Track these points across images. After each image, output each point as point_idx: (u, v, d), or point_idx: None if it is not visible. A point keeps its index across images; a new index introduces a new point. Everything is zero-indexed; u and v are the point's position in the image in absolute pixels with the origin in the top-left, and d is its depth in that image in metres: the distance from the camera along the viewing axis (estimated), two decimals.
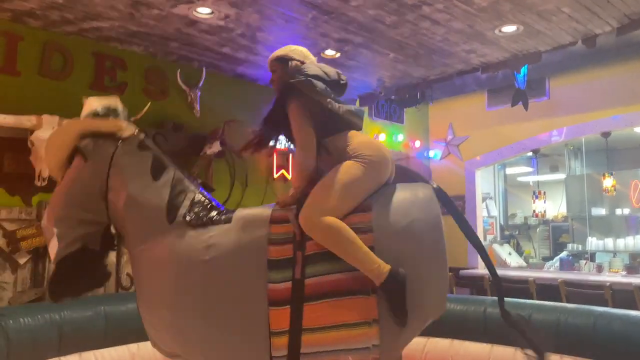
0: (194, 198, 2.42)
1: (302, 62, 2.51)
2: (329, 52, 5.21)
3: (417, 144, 8.02)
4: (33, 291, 4.23)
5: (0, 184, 4.26)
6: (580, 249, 8.13)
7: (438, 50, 5.21)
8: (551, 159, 9.29)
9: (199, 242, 2.28)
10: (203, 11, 4.25)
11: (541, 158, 8.45)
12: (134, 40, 4.85)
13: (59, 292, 2.42)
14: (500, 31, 4.76)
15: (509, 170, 9.67)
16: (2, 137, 4.23)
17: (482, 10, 4.32)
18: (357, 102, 6.77)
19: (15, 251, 4.18)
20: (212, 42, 4.93)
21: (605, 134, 6.85)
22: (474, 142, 7.77)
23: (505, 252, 8.21)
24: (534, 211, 7.74)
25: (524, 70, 6.04)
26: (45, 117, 4.24)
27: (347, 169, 2.29)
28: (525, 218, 9.67)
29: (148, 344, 2.62)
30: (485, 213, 8.49)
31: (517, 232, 9.81)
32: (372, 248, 2.17)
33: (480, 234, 7.82)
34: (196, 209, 2.38)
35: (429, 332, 2.37)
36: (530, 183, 9.26)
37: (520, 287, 6.05)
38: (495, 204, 9.16)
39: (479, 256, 7.53)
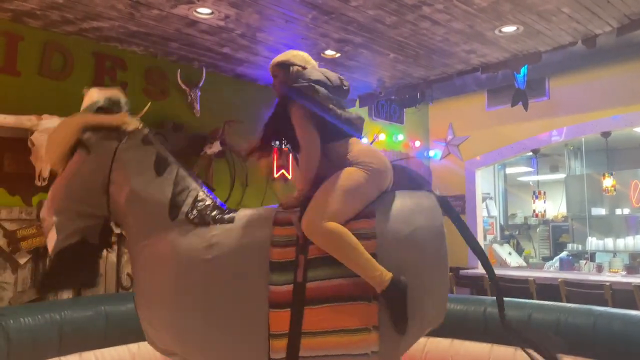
0: (197, 196, 2.41)
1: (304, 68, 2.51)
2: (329, 52, 5.21)
3: (417, 144, 8.03)
4: (33, 291, 4.23)
5: (0, 184, 4.26)
6: (580, 248, 8.13)
7: (438, 50, 5.22)
8: (551, 159, 9.29)
9: (201, 240, 2.27)
10: (203, 11, 4.25)
11: (541, 158, 8.44)
12: (134, 40, 4.85)
13: (51, 283, 2.41)
14: (500, 31, 4.76)
15: (509, 170, 9.67)
16: (2, 137, 4.23)
17: (482, 10, 4.32)
18: (357, 102, 6.77)
19: (15, 251, 4.18)
20: (212, 42, 4.93)
21: (605, 134, 6.85)
22: (474, 142, 7.77)
23: (505, 252, 8.22)
24: (534, 211, 7.74)
25: (524, 70, 6.04)
26: (45, 117, 4.25)
27: (350, 175, 2.29)
28: (525, 218, 9.67)
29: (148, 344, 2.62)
30: (485, 213, 8.49)
31: (517, 232, 9.81)
32: (374, 255, 2.17)
33: (480, 234, 7.83)
34: (199, 207, 2.36)
35: (429, 332, 2.37)
36: (530, 183, 9.26)
37: (520, 287, 6.06)
38: (495, 204, 9.17)
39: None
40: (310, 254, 2.21)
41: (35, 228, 4.24)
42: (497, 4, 4.21)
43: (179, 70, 5.36)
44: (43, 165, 4.19)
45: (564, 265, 7.22)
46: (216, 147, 5.38)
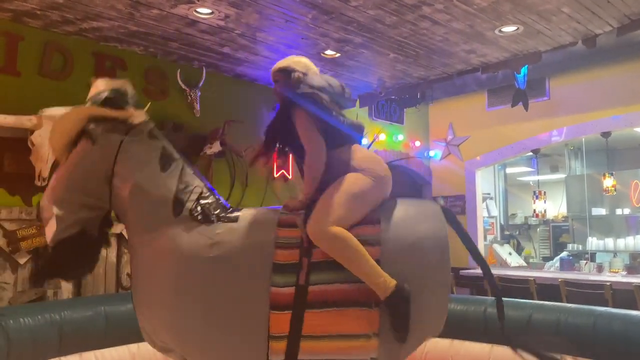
0: (201, 193, 2.39)
1: (305, 74, 2.51)
2: (329, 52, 5.21)
3: (417, 144, 8.03)
4: (33, 291, 4.23)
5: (0, 184, 4.26)
6: (580, 249, 8.12)
7: (438, 50, 5.21)
8: (551, 159, 9.29)
9: (205, 238, 2.25)
10: (203, 11, 4.25)
11: (541, 158, 8.44)
12: (134, 40, 4.85)
13: (47, 273, 2.38)
14: (500, 31, 4.76)
15: (509, 170, 9.67)
16: (2, 137, 4.23)
17: (482, 10, 4.32)
18: (357, 102, 6.77)
19: (15, 251, 4.18)
20: (212, 42, 4.93)
21: (605, 134, 6.85)
22: (474, 142, 7.77)
23: (505, 252, 8.21)
24: (534, 211, 7.74)
25: (524, 70, 6.04)
26: (46, 117, 4.25)
27: (356, 181, 2.30)
28: (526, 218, 9.67)
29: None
30: (486, 213, 8.49)
31: (517, 232, 9.81)
32: (378, 261, 2.17)
33: (480, 234, 7.83)
34: (203, 205, 2.34)
35: None
36: (531, 183, 9.26)
37: (521, 287, 6.06)
38: (496, 204, 9.16)
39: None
40: (314, 258, 2.21)
41: (35, 228, 4.24)
42: (497, 4, 4.21)
43: (179, 70, 5.36)
44: (43, 165, 4.19)
45: (564, 265, 7.21)
46: (216, 147, 5.38)
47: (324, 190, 2.30)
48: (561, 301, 5.38)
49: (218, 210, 2.35)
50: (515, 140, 7.38)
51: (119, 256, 4.71)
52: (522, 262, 8.19)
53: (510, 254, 8.26)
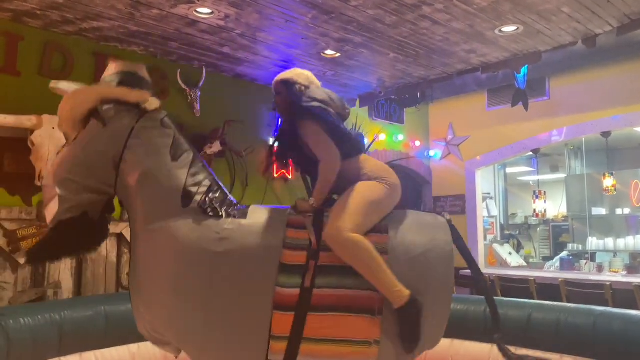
0: (210, 186, 2.36)
1: (307, 87, 2.52)
2: (329, 52, 5.21)
3: (417, 144, 8.03)
4: (33, 291, 4.23)
5: (0, 184, 4.26)
6: (580, 248, 8.12)
7: (438, 50, 5.21)
8: (551, 158, 9.29)
9: (212, 232, 2.23)
10: (203, 11, 4.25)
11: (541, 158, 8.45)
12: (134, 40, 4.85)
13: (44, 254, 2.34)
14: (500, 31, 4.76)
15: (509, 170, 9.67)
16: (2, 137, 4.23)
17: (482, 10, 4.32)
18: (357, 102, 6.77)
19: (15, 251, 4.18)
20: (212, 42, 4.93)
21: (606, 134, 6.85)
22: (474, 142, 7.77)
23: (505, 252, 8.21)
24: (535, 211, 7.75)
25: (524, 70, 6.04)
26: (45, 117, 4.25)
27: (373, 188, 2.33)
28: (526, 218, 9.67)
29: (148, 344, 2.60)
30: (486, 213, 8.49)
31: (517, 232, 9.81)
32: None
33: (480, 233, 7.83)
34: (212, 198, 2.31)
35: None
36: (531, 183, 9.26)
37: (521, 287, 6.06)
38: (496, 204, 9.16)
39: (479, 257, 7.52)
40: (321, 261, 2.22)
41: (36, 228, 4.24)
42: (497, 3, 4.21)
43: (179, 70, 5.36)
44: (43, 165, 4.18)
45: (565, 265, 7.21)
46: (216, 147, 5.38)
47: (332, 198, 2.34)
48: (561, 301, 5.39)
49: (227, 206, 2.33)
50: (515, 140, 7.38)
51: (119, 256, 4.71)
52: (522, 262, 8.19)
53: (510, 253, 8.26)
